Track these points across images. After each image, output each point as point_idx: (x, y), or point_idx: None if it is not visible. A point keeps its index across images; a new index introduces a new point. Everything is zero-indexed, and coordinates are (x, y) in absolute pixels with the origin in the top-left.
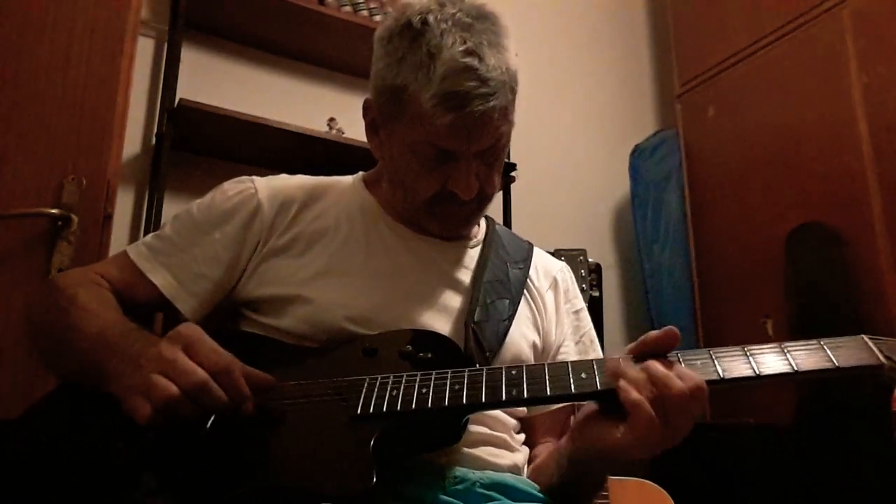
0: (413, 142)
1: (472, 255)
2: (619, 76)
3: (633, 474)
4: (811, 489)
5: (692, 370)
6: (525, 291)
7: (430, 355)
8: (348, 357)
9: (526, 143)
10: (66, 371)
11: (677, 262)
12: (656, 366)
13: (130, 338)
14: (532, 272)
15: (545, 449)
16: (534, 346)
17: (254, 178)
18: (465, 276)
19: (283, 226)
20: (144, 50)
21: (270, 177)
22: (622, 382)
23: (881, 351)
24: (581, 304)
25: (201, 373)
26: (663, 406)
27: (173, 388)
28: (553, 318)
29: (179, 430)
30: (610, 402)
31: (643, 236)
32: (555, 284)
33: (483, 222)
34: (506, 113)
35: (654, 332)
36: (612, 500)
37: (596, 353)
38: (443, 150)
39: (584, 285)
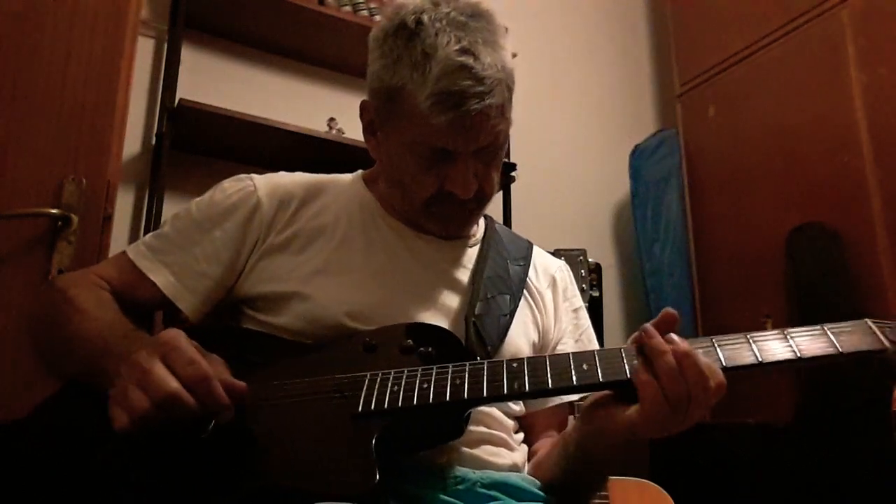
0: (410, 142)
1: (472, 255)
2: (619, 76)
3: (633, 474)
4: (811, 489)
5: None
6: (525, 289)
7: (430, 349)
8: (348, 353)
9: (526, 143)
10: (66, 373)
11: (677, 262)
12: (693, 357)
13: (127, 340)
14: (531, 271)
15: (546, 443)
16: (533, 344)
17: (253, 175)
18: (464, 275)
19: (282, 223)
20: (144, 50)
21: (270, 174)
22: (645, 369)
23: (885, 335)
24: (580, 302)
25: (173, 385)
26: (688, 398)
27: (144, 402)
28: (552, 317)
29: (178, 431)
30: (616, 392)
31: (643, 236)
32: (553, 283)
33: (482, 221)
34: (503, 111)
35: (651, 323)
36: (612, 500)
37: None
38: (440, 150)
39: (584, 285)
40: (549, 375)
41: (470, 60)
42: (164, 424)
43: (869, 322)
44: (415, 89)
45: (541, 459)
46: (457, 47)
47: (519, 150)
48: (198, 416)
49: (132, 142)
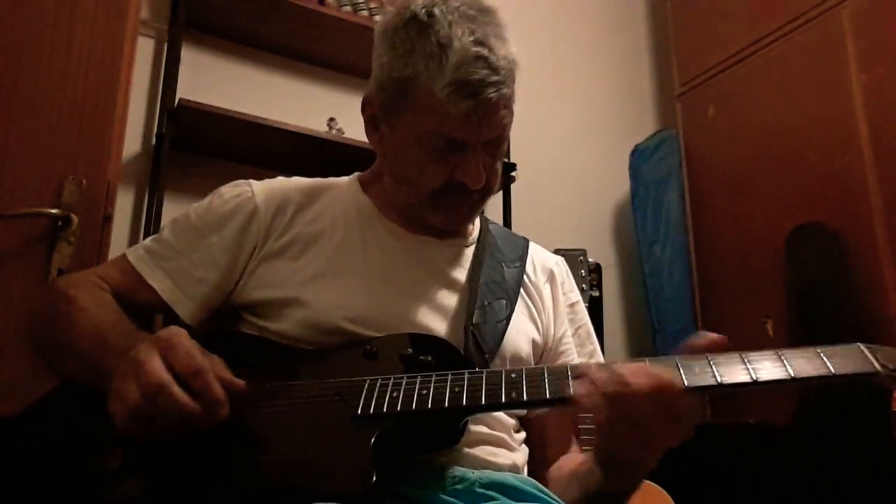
0: (421, 133)
1: (468, 254)
2: (619, 76)
3: None
4: (811, 489)
5: (690, 374)
6: (522, 288)
7: (430, 358)
8: (349, 359)
9: (526, 143)
10: (67, 372)
11: (677, 262)
12: (619, 365)
13: (128, 339)
14: (529, 268)
15: (569, 461)
16: (533, 342)
17: (251, 181)
18: (462, 274)
19: (279, 229)
20: (144, 50)
21: (267, 180)
22: (579, 382)
23: (876, 359)
24: (577, 297)
25: (162, 376)
26: (621, 405)
27: (136, 392)
28: (552, 312)
29: (175, 426)
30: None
31: (643, 236)
32: (552, 277)
33: (477, 221)
34: (510, 103)
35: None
36: None
37: (593, 345)
38: (451, 140)
39: (584, 285)
40: (546, 386)
41: (485, 51)
42: (153, 418)
43: (861, 346)
44: (430, 79)
45: (558, 480)
46: (472, 38)
47: (519, 150)
48: (193, 411)
49: (132, 142)
